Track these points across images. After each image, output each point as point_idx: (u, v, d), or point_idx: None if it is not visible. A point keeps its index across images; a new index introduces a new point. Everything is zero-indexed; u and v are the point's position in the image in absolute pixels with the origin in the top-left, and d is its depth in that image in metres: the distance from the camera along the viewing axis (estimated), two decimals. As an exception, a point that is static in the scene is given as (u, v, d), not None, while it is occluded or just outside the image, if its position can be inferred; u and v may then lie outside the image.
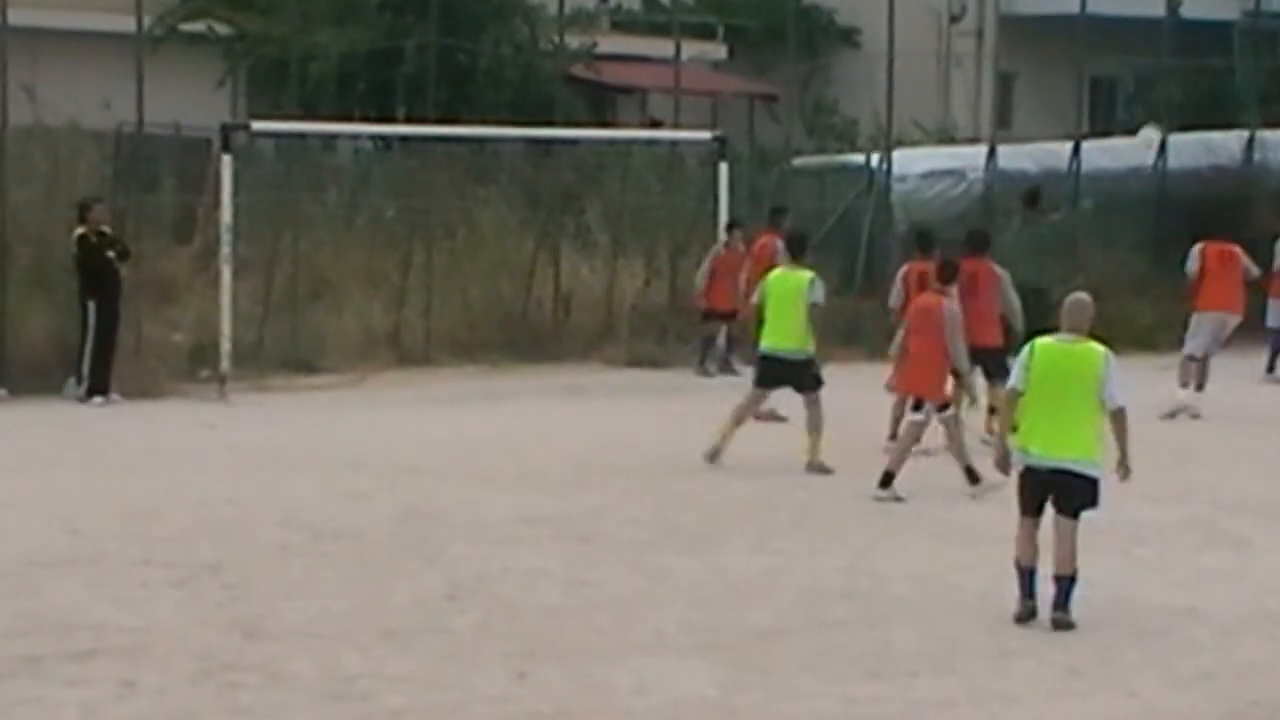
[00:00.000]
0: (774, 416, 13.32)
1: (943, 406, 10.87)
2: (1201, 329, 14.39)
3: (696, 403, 14.83)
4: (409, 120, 18.38)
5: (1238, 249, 14.99)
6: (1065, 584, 7.37)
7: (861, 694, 6.63)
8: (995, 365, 11.58)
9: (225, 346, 15.02)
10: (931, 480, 10.86)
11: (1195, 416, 13.95)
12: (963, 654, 7.16)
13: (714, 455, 11.43)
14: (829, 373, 11.75)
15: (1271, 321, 16.50)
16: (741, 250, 16.16)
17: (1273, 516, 10.08)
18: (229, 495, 10.35)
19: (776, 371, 11.53)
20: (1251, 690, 6.73)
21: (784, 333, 11.46)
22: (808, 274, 11.54)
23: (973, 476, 10.51)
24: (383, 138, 19.01)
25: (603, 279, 18.11)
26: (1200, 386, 14.20)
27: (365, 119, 18.70)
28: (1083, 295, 7.83)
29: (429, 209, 17.66)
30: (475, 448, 12.29)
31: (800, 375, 11.45)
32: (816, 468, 11.31)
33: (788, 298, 11.46)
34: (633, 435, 12.97)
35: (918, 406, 10.81)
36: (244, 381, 15.03)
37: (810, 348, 11.45)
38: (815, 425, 11.36)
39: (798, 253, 11.86)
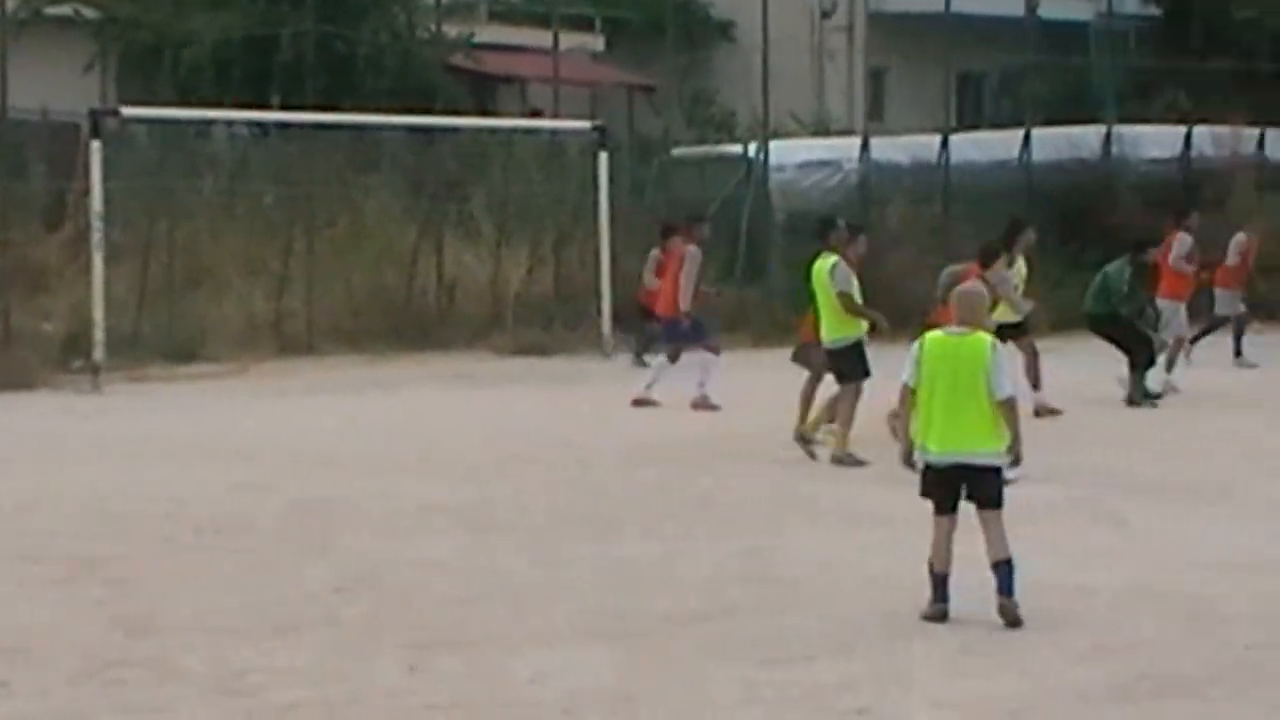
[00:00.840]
0: (707, 405, 13.28)
1: None
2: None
3: (589, 390, 14.78)
4: (285, 107, 18.10)
5: (1174, 236, 15.29)
6: (1004, 569, 7.26)
7: (761, 678, 6.61)
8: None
9: (98, 335, 14.68)
10: (830, 467, 10.93)
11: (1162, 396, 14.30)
12: (861, 636, 7.18)
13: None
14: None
15: (1220, 310, 16.89)
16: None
17: (1160, 498, 10.26)
18: (109, 488, 10.07)
19: (826, 362, 11.19)
20: (1140, 664, 6.83)
21: (822, 324, 11.10)
22: (828, 261, 11.08)
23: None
24: (260, 124, 18.68)
25: (487, 267, 18.00)
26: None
27: (241, 105, 18.36)
28: (973, 285, 7.81)
29: (310, 196, 17.41)
30: (364, 438, 12.10)
31: (836, 363, 11.07)
32: (843, 459, 10.85)
33: (818, 287, 11.11)
34: (525, 423, 12.87)
35: None
36: (120, 371, 14.68)
37: (838, 336, 10.98)
38: (843, 417, 10.89)
39: (823, 237, 11.35)
